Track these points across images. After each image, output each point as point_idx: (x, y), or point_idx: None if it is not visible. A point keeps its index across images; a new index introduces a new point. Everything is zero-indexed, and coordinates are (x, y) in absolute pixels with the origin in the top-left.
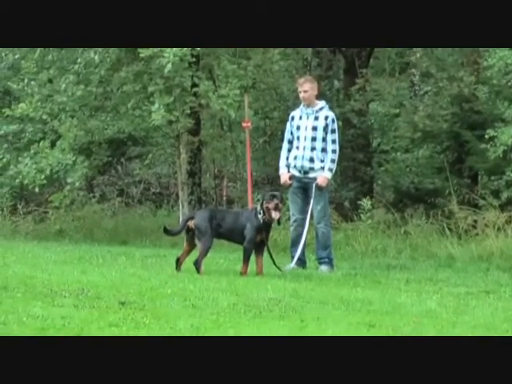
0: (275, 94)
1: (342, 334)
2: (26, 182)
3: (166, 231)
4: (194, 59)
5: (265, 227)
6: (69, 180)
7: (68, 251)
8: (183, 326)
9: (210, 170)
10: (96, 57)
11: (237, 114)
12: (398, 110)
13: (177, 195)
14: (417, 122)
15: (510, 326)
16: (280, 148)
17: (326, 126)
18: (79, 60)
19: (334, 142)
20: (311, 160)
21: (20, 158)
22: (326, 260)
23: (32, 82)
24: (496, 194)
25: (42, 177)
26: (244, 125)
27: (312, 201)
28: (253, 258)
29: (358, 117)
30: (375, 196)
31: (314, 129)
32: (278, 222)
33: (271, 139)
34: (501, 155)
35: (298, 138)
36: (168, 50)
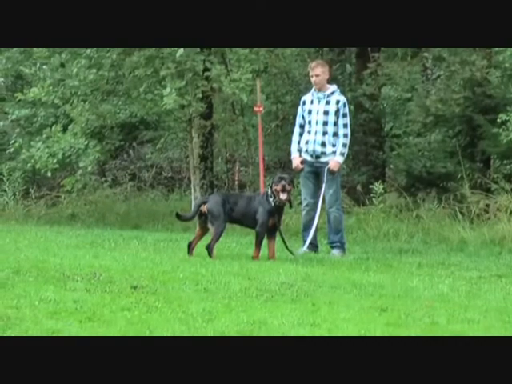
0: (287, 78)
1: (353, 318)
2: (38, 166)
3: (179, 217)
4: None
5: (277, 211)
6: (81, 164)
7: (80, 235)
8: (195, 310)
9: (221, 154)
10: None
11: (249, 98)
12: (410, 95)
13: (189, 179)
14: (429, 106)
15: None
16: (292, 132)
17: (338, 110)
18: None
19: (345, 126)
20: (323, 144)
21: (32, 143)
22: (338, 244)
23: (44, 67)
24: (508, 178)
25: (54, 161)
26: (256, 109)
27: (324, 185)
28: (265, 242)
29: (370, 101)
30: (387, 180)
31: (326, 113)
32: (290, 205)
33: (283, 123)
34: None
35: (310, 123)
36: None
